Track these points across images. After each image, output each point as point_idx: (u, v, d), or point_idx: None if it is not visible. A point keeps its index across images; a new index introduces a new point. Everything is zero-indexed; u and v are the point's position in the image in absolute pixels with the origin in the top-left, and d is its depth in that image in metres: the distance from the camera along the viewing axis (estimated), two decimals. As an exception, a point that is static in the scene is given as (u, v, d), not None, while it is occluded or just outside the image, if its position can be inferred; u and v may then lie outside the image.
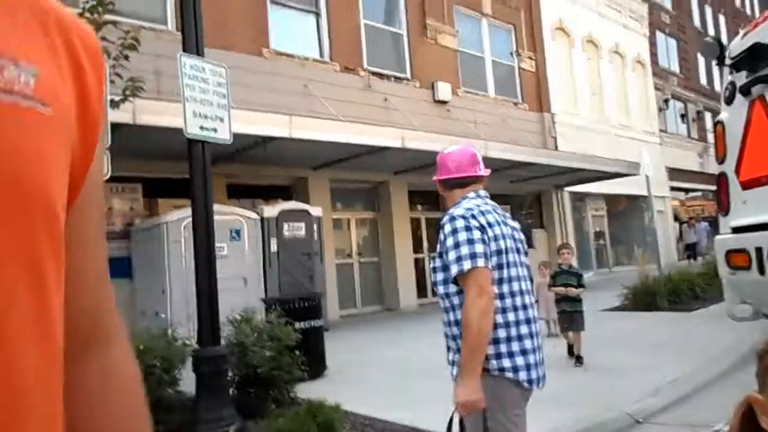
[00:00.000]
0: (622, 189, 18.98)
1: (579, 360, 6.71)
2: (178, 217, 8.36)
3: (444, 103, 15.15)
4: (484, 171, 2.62)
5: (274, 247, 9.89)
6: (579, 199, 20.08)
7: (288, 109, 10.36)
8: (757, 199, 2.69)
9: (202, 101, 4.55)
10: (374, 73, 13.80)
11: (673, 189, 24.32)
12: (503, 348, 2.36)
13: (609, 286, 12.70)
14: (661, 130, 24.32)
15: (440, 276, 2.46)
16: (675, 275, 11.18)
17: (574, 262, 8.44)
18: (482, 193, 2.58)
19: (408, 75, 14.75)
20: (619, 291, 11.30)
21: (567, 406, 4.90)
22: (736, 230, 2.84)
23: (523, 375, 2.37)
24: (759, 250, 2.53)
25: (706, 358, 6.45)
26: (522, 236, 2.62)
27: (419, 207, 15.10)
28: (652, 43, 24.79)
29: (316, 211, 10.73)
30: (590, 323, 9.06)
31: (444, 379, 6.78)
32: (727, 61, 2.78)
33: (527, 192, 18.10)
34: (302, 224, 10.33)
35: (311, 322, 6.71)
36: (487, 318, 2.26)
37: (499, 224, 2.44)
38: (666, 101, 25.29)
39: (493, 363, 2.35)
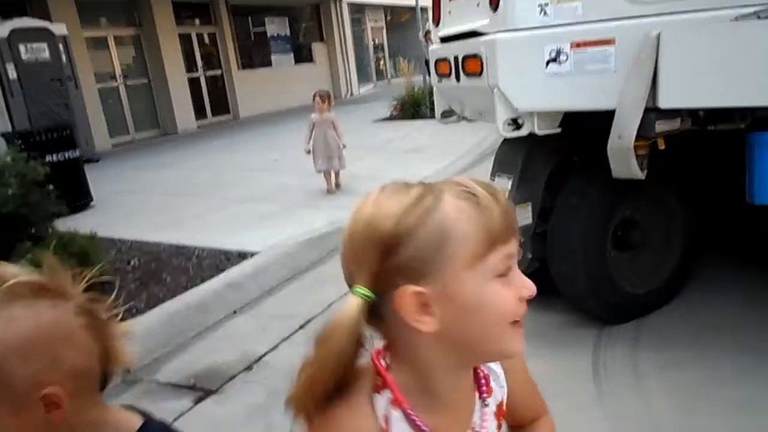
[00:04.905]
0: (401, 0, 19.19)
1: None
2: None
3: None
4: None
5: (12, 74, 8.59)
6: (358, 10, 19.99)
7: None
8: (459, 10, 2.95)
9: None
10: None
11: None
12: None
13: (384, 97, 13.37)
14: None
15: None
16: (439, 84, 12.04)
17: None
18: None
19: None
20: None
21: (327, 211, 5.39)
22: (443, 40, 3.13)
23: None
24: (456, 58, 2.84)
25: (453, 157, 7.37)
26: None
27: (188, 21, 13.88)
28: None
29: (59, 29, 9.32)
30: (359, 134, 9.65)
31: (217, 198, 6.89)
32: None
33: (305, 2, 17.49)
34: (44, 45, 8.99)
35: (65, 154, 6.21)
36: None
37: None
38: None
39: None
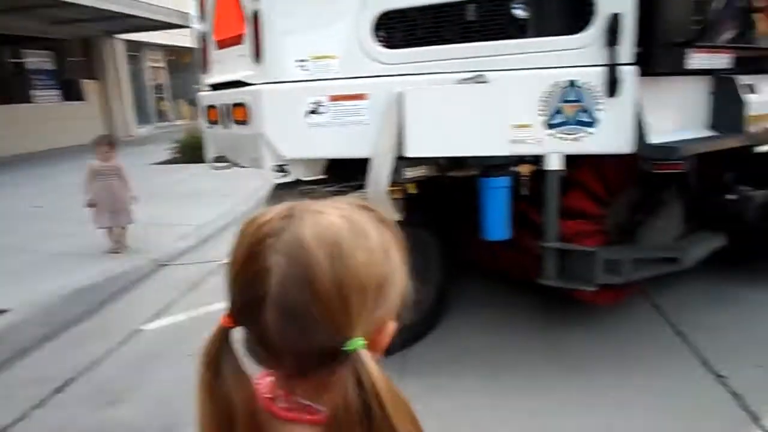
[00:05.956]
0: (187, 41, 18.72)
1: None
2: None
3: None
4: None
5: None
6: (136, 48, 19.05)
7: None
8: (225, 59, 3.02)
9: None
10: None
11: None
12: None
13: (165, 139, 12.81)
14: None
15: None
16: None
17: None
18: None
19: None
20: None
21: (98, 261, 4.98)
22: (214, 87, 3.17)
23: None
24: (224, 105, 2.89)
25: (233, 202, 7.29)
26: None
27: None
28: None
29: None
30: (137, 178, 9.10)
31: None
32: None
33: (73, 36, 16.17)
34: None
35: None
36: None
37: None
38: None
39: None
